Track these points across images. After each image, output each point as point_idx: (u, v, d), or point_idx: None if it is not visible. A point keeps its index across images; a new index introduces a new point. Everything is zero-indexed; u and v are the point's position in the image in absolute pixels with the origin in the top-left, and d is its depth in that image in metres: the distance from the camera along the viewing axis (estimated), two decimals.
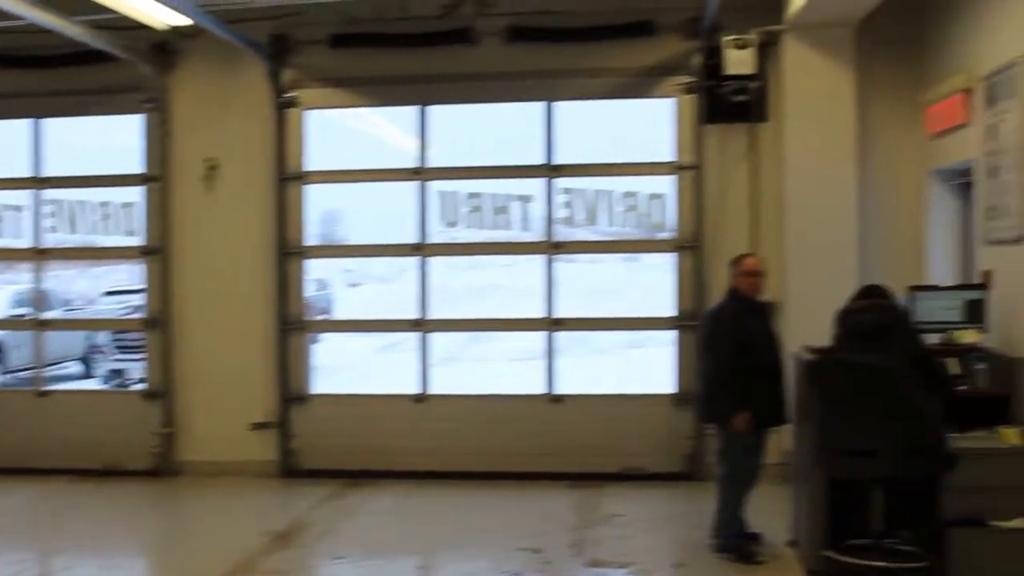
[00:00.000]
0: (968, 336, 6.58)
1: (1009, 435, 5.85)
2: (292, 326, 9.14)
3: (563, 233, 9.06)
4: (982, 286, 6.70)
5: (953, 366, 6.32)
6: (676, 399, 8.67)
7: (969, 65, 7.11)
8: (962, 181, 7.76)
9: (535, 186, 8.93)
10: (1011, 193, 6.38)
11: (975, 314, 6.60)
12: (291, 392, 9.12)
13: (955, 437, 5.57)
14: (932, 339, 6.45)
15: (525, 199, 9.00)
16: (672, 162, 8.69)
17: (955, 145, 7.46)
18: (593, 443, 8.70)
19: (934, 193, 8.10)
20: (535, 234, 9.07)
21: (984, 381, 6.24)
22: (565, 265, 9.14)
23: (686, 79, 8.55)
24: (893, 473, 5.31)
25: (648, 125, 8.93)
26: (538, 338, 9.05)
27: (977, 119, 6.95)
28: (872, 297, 5.71)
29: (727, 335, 6.36)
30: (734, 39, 8.16)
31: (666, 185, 8.78)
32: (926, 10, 8.03)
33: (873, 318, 5.51)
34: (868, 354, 5.32)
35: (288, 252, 9.11)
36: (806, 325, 7.01)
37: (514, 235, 9.14)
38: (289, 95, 9.00)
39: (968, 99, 7.12)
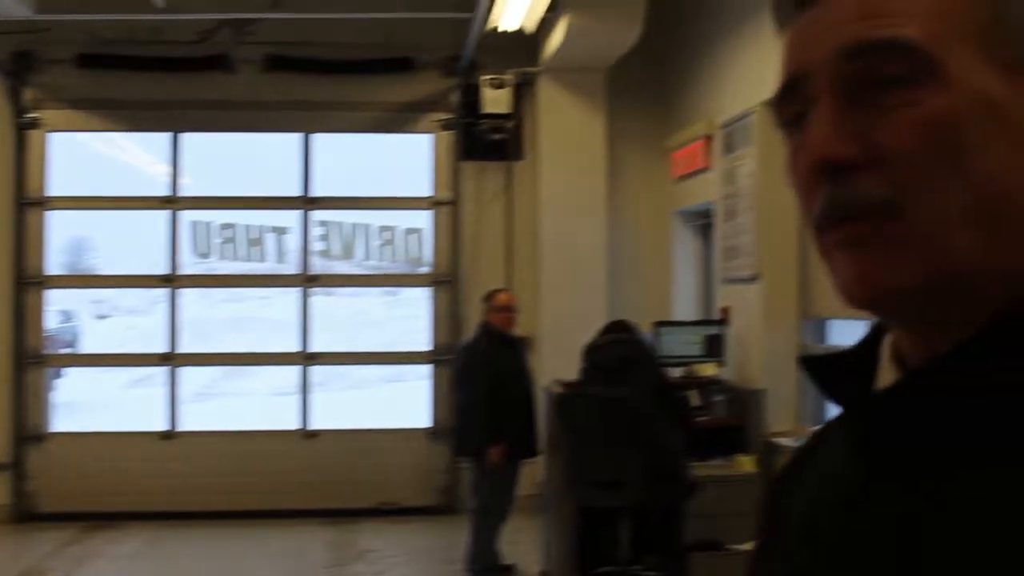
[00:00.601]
0: (708, 369, 6.91)
1: (744, 463, 6.18)
2: (30, 360, 8.60)
3: (320, 266, 8.96)
4: (721, 322, 7.07)
5: (694, 398, 6.62)
6: (431, 433, 8.69)
7: (709, 113, 7.53)
8: (703, 222, 8.19)
9: (291, 218, 8.81)
10: (746, 234, 6.78)
11: (714, 348, 6.95)
12: (28, 431, 8.56)
13: (696, 466, 5.83)
14: (675, 372, 6.74)
15: (281, 231, 8.85)
16: (429, 197, 8.76)
17: (696, 188, 7.86)
18: (348, 478, 8.59)
19: (678, 233, 8.51)
20: (291, 267, 8.93)
21: (722, 412, 6.57)
22: (323, 298, 9.02)
23: (444, 116, 8.65)
24: (638, 501, 5.49)
25: (406, 160, 8.96)
26: (294, 372, 8.90)
27: (716, 164, 7.35)
28: (617, 332, 5.89)
29: (480, 369, 6.44)
30: (491, 78, 8.32)
31: (423, 220, 8.84)
32: (671, 60, 8.44)
33: (618, 352, 5.68)
34: (613, 387, 5.49)
35: (27, 281, 8.58)
36: (558, 359, 7.17)
37: (270, 267, 8.97)
38: (31, 116, 8.52)
39: (708, 145, 7.52)
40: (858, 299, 0.72)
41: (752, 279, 6.68)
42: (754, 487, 6.10)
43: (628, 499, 5.48)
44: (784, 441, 6.00)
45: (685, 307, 8.31)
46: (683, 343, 6.99)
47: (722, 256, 7.28)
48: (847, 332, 6.27)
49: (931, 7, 0.69)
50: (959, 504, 0.65)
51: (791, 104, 0.75)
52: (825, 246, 0.73)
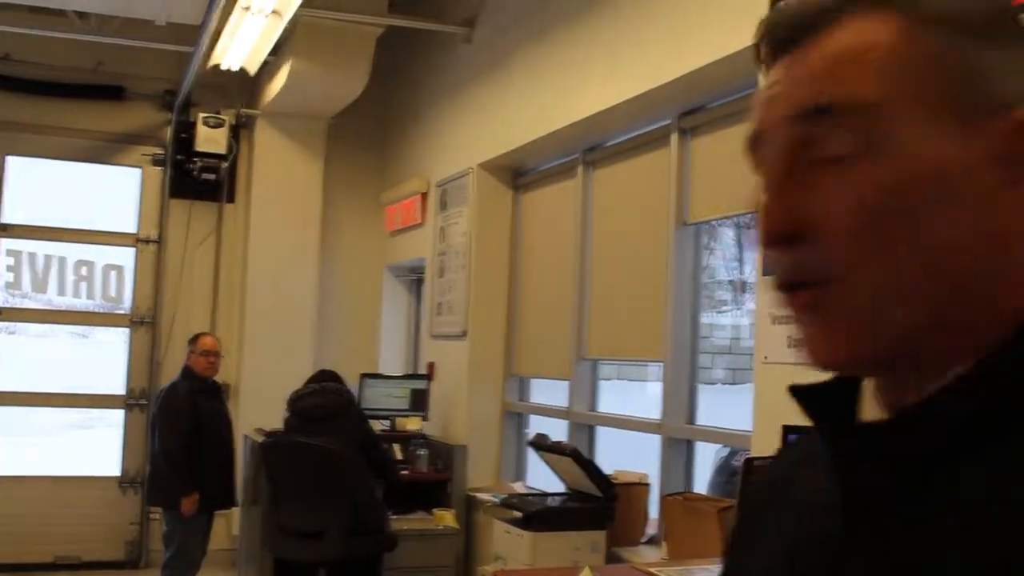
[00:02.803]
0: (412, 423, 6.95)
1: (444, 517, 6.23)
2: None
3: (5, 300, 8.34)
4: (426, 377, 7.14)
5: (397, 451, 6.64)
6: (121, 482, 8.23)
7: (425, 170, 7.65)
8: (415, 277, 8.27)
9: None
10: (457, 291, 6.90)
11: (419, 403, 7.00)
12: None
13: (396, 519, 5.82)
14: (379, 425, 6.74)
15: None
16: (133, 234, 8.37)
17: (410, 243, 7.94)
18: (26, 531, 7.94)
19: (389, 286, 8.54)
20: None
21: (424, 466, 6.60)
22: (7, 336, 8.38)
23: (155, 150, 8.32)
24: (337, 555, 5.40)
25: (112, 193, 8.53)
26: None
27: (430, 221, 7.47)
28: (323, 381, 5.82)
29: (179, 414, 6.18)
30: (207, 116, 8.09)
31: (126, 257, 8.43)
32: (393, 115, 8.51)
33: (323, 402, 5.61)
34: (316, 437, 5.41)
35: None
36: (261, 407, 7.01)
37: None
38: None
39: (424, 201, 7.63)
40: (812, 365, 0.72)
41: (461, 335, 6.79)
42: (453, 540, 6.17)
43: (327, 552, 5.38)
44: (484, 496, 6.10)
45: (392, 361, 8.33)
46: (388, 396, 7.00)
47: (431, 311, 7.37)
48: (547, 391, 6.49)
49: (884, 70, 0.67)
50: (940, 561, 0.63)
51: (756, 155, 0.75)
52: (787, 308, 0.72)
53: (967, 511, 0.62)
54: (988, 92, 0.66)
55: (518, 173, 6.78)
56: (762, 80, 0.75)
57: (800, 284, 0.69)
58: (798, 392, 0.76)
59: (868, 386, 0.76)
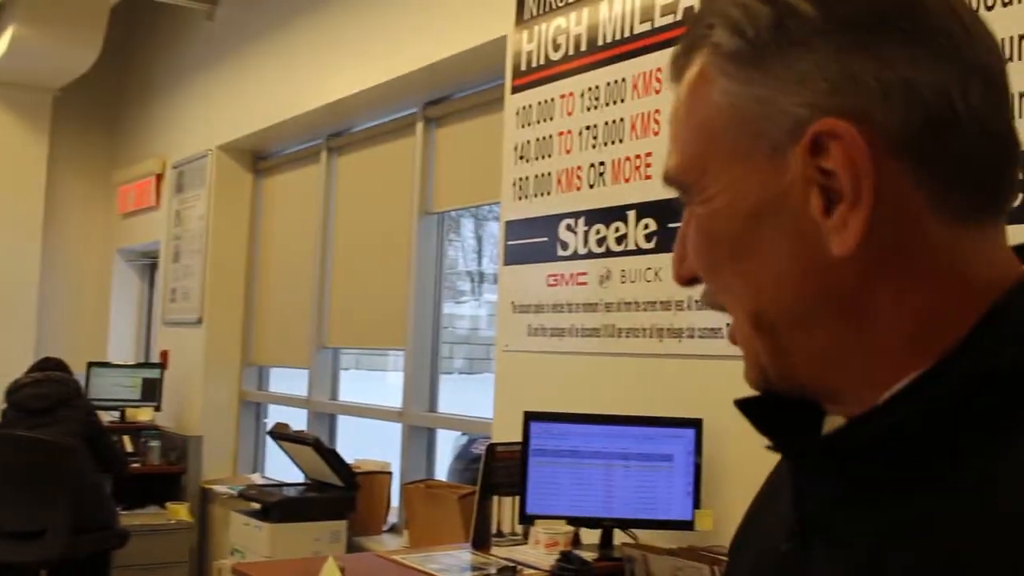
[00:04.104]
0: (143, 414, 6.67)
1: (178, 511, 6.02)
2: None
3: None
4: (159, 365, 6.87)
5: (127, 443, 6.35)
6: None
7: (161, 151, 7.34)
8: (148, 262, 7.93)
9: None
10: (192, 277, 6.67)
11: (151, 392, 6.72)
12: None
13: (126, 514, 5.57)
14: (108, 416, 6.42)
15: None
16: None
17: (144, 226, 7.61)
18: None
19: (120, 271, 8.15)
20: None
21: (157, 458, 6.35)
22: None
23: None
24: (59, 555, 5.10)
25: None
26: None
27: (165, 203, 7.18)
28: (47, 370, 5.48)
29: None
30: None
31: None
32: (126, 92, 8.12)
33: (44, 392, 5.27)
34: (37, 429, 5.09)
35: None
36: None
37: None
38: None
39: (158, 183, 7.33)
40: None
41: (196, 323, 6.58)
42: (187, 535, 5.98)
43: (48, 553, 5.07)
44: (220, 488, 5.94)
45: (123, 348, 7.96)
46: (118, 386, 6.70)
47: (165, 297, 7.10)
48: (286, 380, 6.40)
49: (691, 133, 0.70)
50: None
51: None
52: None
53: (915, 522, 0.60)
54: (781, 119, 0.64)
55: (260, 157, 6.62)
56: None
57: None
58: (741, 405, 0.73)
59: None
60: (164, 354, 6.98)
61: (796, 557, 0.68)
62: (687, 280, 0.72)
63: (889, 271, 0.63)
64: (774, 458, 0.76)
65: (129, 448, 6.34)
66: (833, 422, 0.71)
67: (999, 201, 0.65)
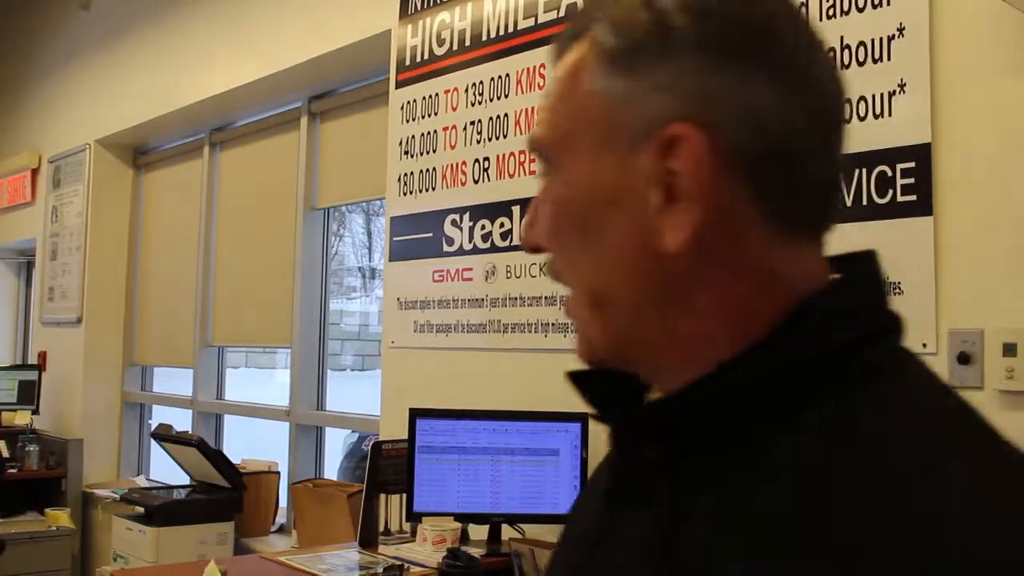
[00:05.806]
0: (20, 417, 6.45)
1: (58, 517, 5.84)
2: None
3: None
4: (37, 367, 6.65)
5: (3, 448, 6.14)
6: None
7: (36, 145, 7.11)
8: (24, 259, 7.68)
9: None
10: (71, 275, 6.48)
11: (28, 395, 6.50)
12: None
13: (3, 522, 5.39)
14: None
15: None
16: None
17: (18, 223, 7.36)
18: None
19: None
20: None
21: (35, 463, 6.15)
22: None
23: None
24: None
25: None
26: None
27: (41, 199, 6.96)
28: None
29: None
30: None
31: None
32: None
33: None
34: None
35: None
36: None
37: None
38: None
39: (34, 178, 7.10)
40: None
41: (75, 322, 6.39)
42: (68, 542, 5.81)
43: None
44: (103, 492, 5.78)
45: None
46: None
47: (43, 297, 6.88)
48: (170, 380, 6.26)
49: (561, 111, 0.74)
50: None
51: None
52: None
53: (714, 480, 0.67)
54: (642, 117, 0.69)
55: (140, 151, 6.46)
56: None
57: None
58: (574, 377, 0.79)
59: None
60: (42, 355, 6.76)
61: (608, 519, 0.75)
62: (533, 247, 0.77)
63: (714, 269, 0.68)
64: None
65: (5, 453, 6.12)
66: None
67: (823, 220, 0.72)
